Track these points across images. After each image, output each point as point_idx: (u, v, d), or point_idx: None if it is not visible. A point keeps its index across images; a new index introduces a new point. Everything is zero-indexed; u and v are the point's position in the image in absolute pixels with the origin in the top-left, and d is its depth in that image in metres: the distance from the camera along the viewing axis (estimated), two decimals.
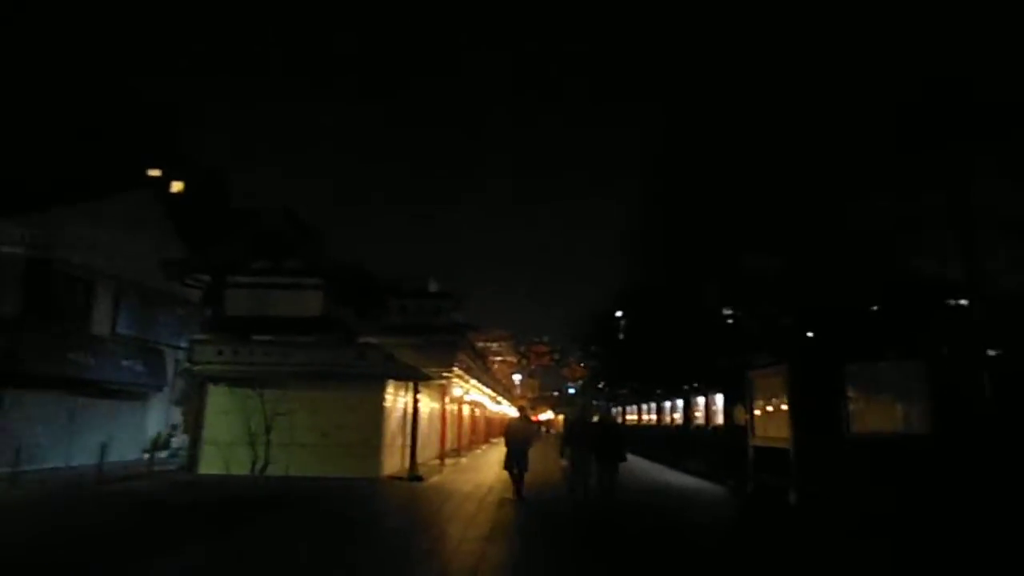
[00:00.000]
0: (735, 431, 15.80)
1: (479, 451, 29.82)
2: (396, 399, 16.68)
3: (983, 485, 9.82)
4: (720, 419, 17.64)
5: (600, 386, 68.22)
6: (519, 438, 12.97)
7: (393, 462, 16.55)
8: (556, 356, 40.56)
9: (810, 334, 12.19)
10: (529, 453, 12.98)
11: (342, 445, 15.66)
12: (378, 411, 15.83)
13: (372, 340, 15.58)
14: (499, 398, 37.76)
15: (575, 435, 11.99)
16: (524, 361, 41.94)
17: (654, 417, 26.78)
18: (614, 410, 43.90)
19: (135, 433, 20.43)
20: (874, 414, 11.72)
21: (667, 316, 27.81)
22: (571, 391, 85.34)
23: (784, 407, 13.13)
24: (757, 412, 14.59)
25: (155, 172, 27.79)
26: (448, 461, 21.32)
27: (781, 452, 12.96)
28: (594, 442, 11.62)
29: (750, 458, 14.54)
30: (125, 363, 19.72)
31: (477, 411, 34.79)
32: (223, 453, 15.63)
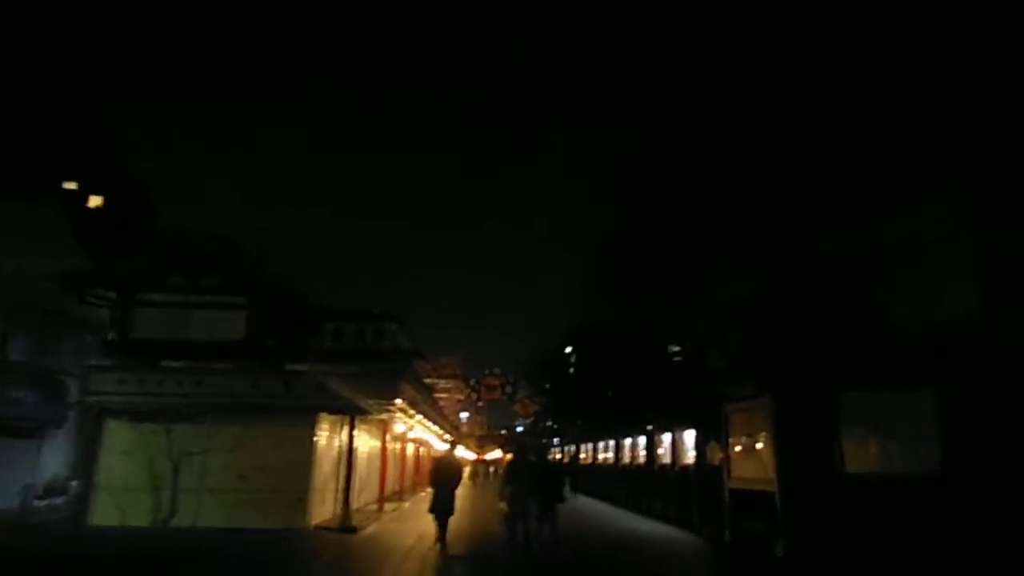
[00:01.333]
0: (708, 471, 14.31)
1: (423, 494, 27.56)
2: (329, 436, 14.63)
3: (1005, 532, 8.55)
4: (689, 458, 16.16)
5: (550, 424, 66.52)
6: (445, 477, 11.84)
7: (324, 510, 14.43)
8: (508, 390, 38.69)
9: (796, 362, 10.94)
10: (457, 493, 11.91)
11: (264, 490, 13.50)
12: (307, 450, 13.77)
13: (302, 367, 13.61)
14: (446, 436, 35.58)
15: (514, 474, 10.96)
16: (474, 395, 39.74)
17: (611, 456, 25.19)
18: (566, 448, 42.25)
19: (23, 475, 17.64)
20: (872, 451, 10.41)
21: (626, 347, 26.45)
22: (519, 429, 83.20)
23: (767, 444, 11.74)
24: (735, 450, 13.16)
25: (71, 185, 25.20)
26: (388, 507, 19.17)
27: (764, 495, 11.49)
28: (532, 481, 10.63)
29: (726, 502, 13.04)
30: (14, 394, 17.05)
31: (422, 450, 32.51)
32: (119, 500, 13.27)
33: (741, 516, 12.51)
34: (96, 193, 25.58)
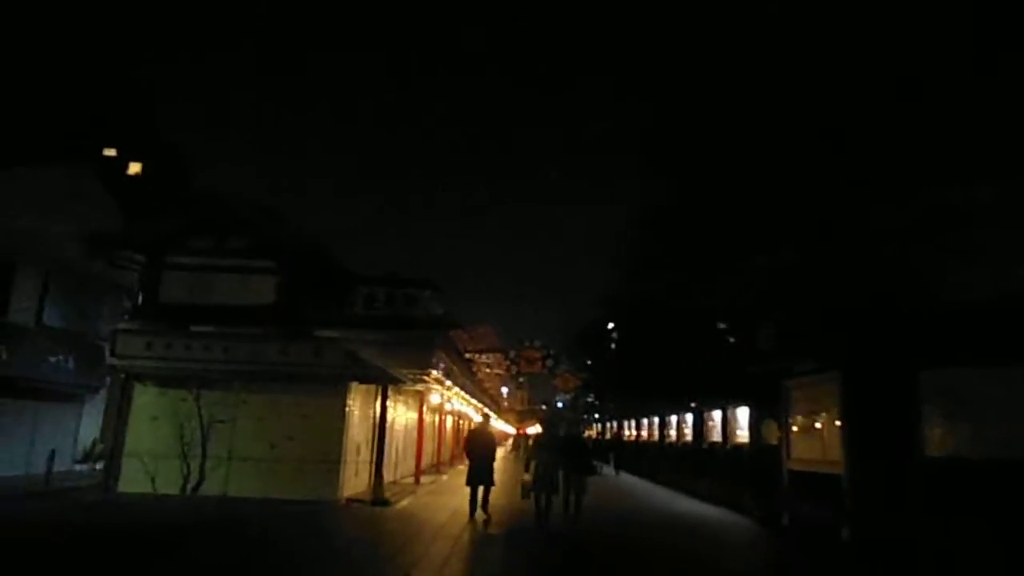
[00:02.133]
0: (764, 451, 13.28)
1: (462, 467, 27.14)
2: (362, 406, 14.05)
3: None
4: (741, 437, 15.12)
5: (591, 400, 65.59)
6: (480, 448, 11.51)
7: (357, 482, 13.90)
8: (549, 363, 37.74)
9: (871, 334, 9.78)
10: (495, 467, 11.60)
11: (293, 460, 13.02)
12: (338, 420, 13.21)
13: (333, 334, 12.99)
14: (486, 409, 35.06)
15: (542, 446, 11.08)
16: (514, 368, 38.84)
17: (656, 433, 24.23)
18: (608, 425, 41.35)
19: (64, 440, 17.65)
20: (956, 433, 9.24)
21: (670, 321, 25.23)
22: (560, 405, 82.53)
23: (834, 424, 10.65)
24: (795, 429, 12.10)
25: (110, 151, 25.08)
26: (425, 480, 18.68)
27: (828, 479, 10.46)
28: (560, 454, 10.84)
29: (785, 484, 12.02)
30: (52, 359, 16.98)
31: (462, 423, 32.08)
32: (149, 467, 12.96)
33: (801, 499, 11.49)
34: (134, 159, 25.43)
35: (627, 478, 23.24)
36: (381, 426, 13.56)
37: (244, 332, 13.15)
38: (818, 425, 11.34)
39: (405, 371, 13.27)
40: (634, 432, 31.00)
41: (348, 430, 13.30)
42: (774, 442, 12.83)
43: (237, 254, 14.19)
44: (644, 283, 25.48)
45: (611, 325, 45.91)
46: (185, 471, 12.94)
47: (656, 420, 23.99)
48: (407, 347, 13.09)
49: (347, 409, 13.29)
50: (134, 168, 25.61)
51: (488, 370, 50.68)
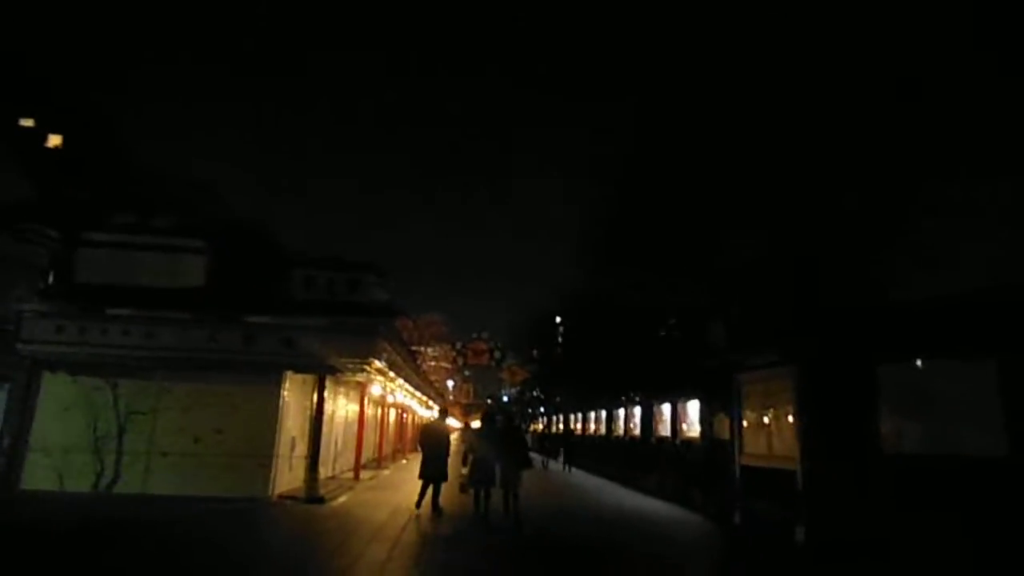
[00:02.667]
0: (715, 445, 13.03)
1: (404, 461, 26.34)
2: (298, 397, 13.16)
3: None
4: (691, 431, 14.88)
5: (537, 394, 65.51)
6: (435, 443, 11.46)
7: (290, 477, 13.03)
8: (496, 355, 37.09)
9: (831, 328, 9.55)
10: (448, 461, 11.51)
11: (221, 455, 12.07)
12: (271, 412, 12.30)
13: (266, 320, 12.08)
14: (431, 402, 34.29)
15: (479, 439, 10.95)
16: (460, 360, 38.04)
17: (603, 427, 23.99)
18: (555, 419, 41.13)
19: None
20: (917, 429, 9.07)
21: (621, 315, 25.05)
22: (505, 399, 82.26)
23: (788, 419, 10.40)
24: (747, 424, 11.84)
25: (27, 122, 23.24)
26: (365, 475, 17.86)
27: (782, 475, 10.20)
28: (498, 447, 10.59)
29: (736, 480, 11.76)
30: None
31: (405, 416, 31.23)
32: (57, 462, 11.80)
33: (753, 496, 11.24)
34: (56, 132, 23.60)
35: (577, 473, 22.88)
36: (318, 419, 12.71)
37: (168, 316, 12.10)
38: (773, 420, 11.08)
39: (345, 360, 12.45)
40: (581, 426, 30.79)
41: (282, 423, 12.41)
42: (726, 437, 12.58)
43: (164, 232, 13.11)
44: (600, 278, 25.21)
45: (559, 319, 45.68)
46: (98, 467, 11.84)
47: (604, 414, 23.74)
48: (347, 335, 12.29)
49: (281, 400, 12.40)
50: (54, 140, 23.77)
51: (434, 363, 49.79)
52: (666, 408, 16.56)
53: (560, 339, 42.15)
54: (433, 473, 11.13)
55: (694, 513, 12.96)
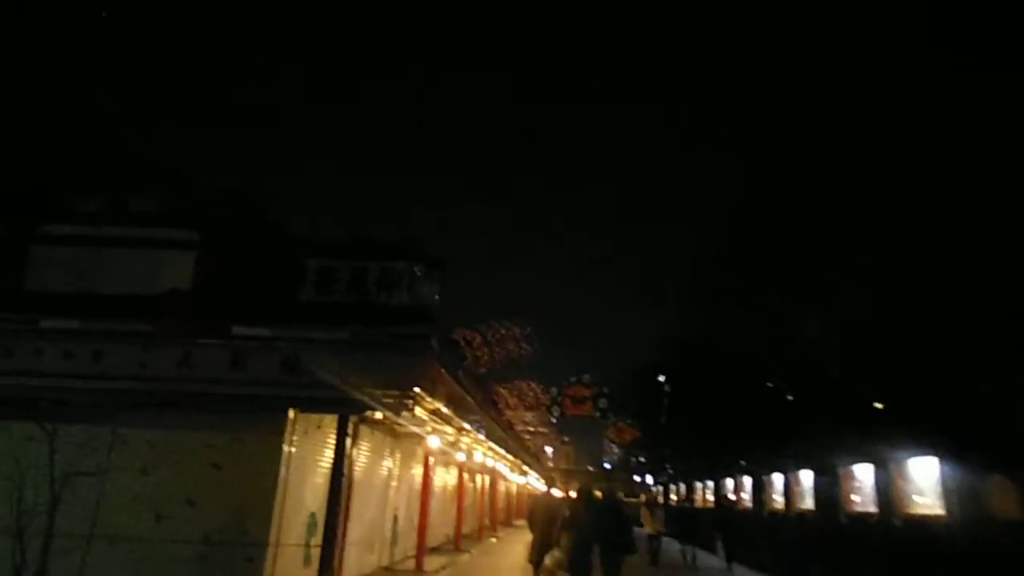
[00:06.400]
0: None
1: (493, 540, 21.46)
2: (312, 449, 8.89)
3: None
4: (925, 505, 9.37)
5: (642, 459, 58.61)
6: (545, 518, 10.21)
7: (306, 572, 8.67)
8: (601, 403, 31.52)
9: None
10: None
11: (194, 541, 7.89)
12: (268, 471, 8.07)
13: (261, 332, 8.07)
14: (524, 466, 29.35)
15: (577, 519, 9.20)
16: (556, 409, 32.39)
17: (749, 498, 18.27)
18: (673, 487, 34.97)
19: None
20: None
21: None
22: (607, 466, 75.18)
23: None
24: None
25: None
26: (435, 562, 13.30)
27: None
28: (596, 527, 8.83)
29: None
30: None
31: (493, 482, 26.41)
32: None
33: None
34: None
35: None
36: (335, 483, 8.28)
37: (122, 329, 8.28)
38: None
39: (377, 392, 8.13)
40: (706, 495, 24.88)
41: (284, 490, 8.14)
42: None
43: (144, 221, 9.54)
44: (726, 310, 20.13)
45: (662, 378, 39.91)
46: (18, 557, 7.90)
47: (748, 481, 18.05)
48: (379, 353, 8.02)
49: (283, 454, 8.15)
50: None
51: (531, 430, 44.62)
52: (864, 470, 11.08)
53: (664, 400, 36.37)
54: (546, 552, 10.03)
55: None
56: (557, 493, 12.44)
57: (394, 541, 13.38)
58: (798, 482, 14.36)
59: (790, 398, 17.05)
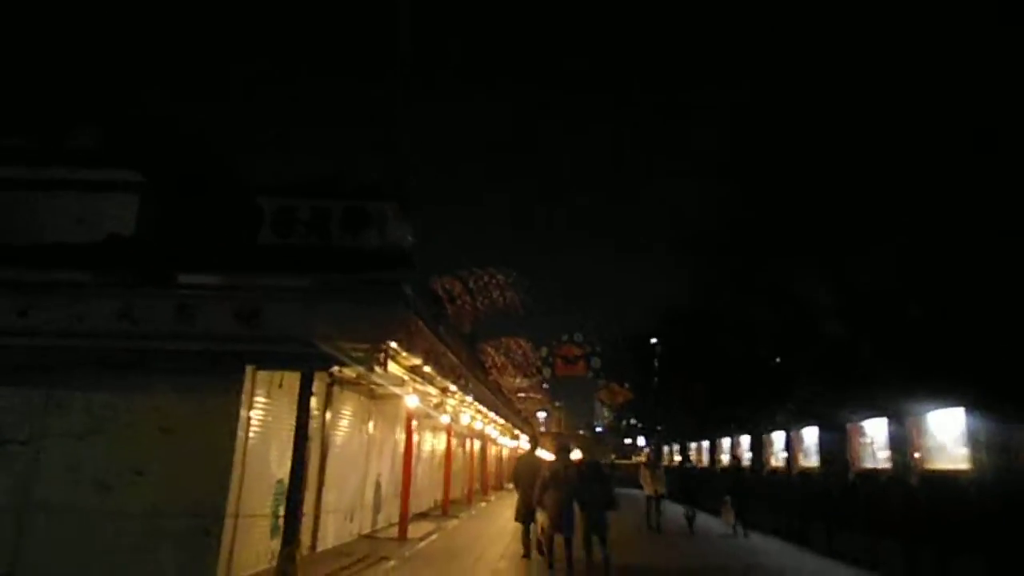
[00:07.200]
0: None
1: (483, 505, 20.84)
2: (273, 411, 7.99)
3: None
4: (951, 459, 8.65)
5: (632, 422, 58.45)
6: (530, 478, 9.82)
7: (264, 548, 7.86)
8: (593, 363, 30.69)
9: None
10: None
11: (141, 514, 7.03)
12: (223, 436, 7.17)
13: (212, 280, 7.11)
14: (516, 430, 28.75)
15: (557, 479, 9.07)
16: (547, 370, 31.42)
17: (744, 457, 17.68)
18: (665, 449, 34.60)
19: None
20: None
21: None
22: (599, 430, 75.17)
23: None
24: None
25: None
26: (419, 530, 12.58)
27: None
28: (575, 486, 8.93)
29: None
30: None
31: (484, 446, 25.78)
32: None
33: None
34: None
35: (762, 542, 13.81)
36: (298, 446, 7.36)
37: (54, 279, 7.28)
38: None
39: (346, 345, 7.21)
40: (702, 455, 24.41)
41: (244, 456, 7.26)
42: None
43: (80, 161, 8.47)
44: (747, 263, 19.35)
45: (654, 340, 39.24)
46: None
47: (745, 440, 17.43)
48: (346, 301, 7.09)
49: (241, 416, 7.24)
50: None
51: (522, 394, 43.83)
52: (875, 426, 10.35)
53: (655, 361, 35.74)
54: (532, 512, 9.95)
55: None
56: (545, 455, 11.69)
57: (377, 508, 12.64)
58: (801, 440, 13.69)
59: (786, 359, 16.37)
